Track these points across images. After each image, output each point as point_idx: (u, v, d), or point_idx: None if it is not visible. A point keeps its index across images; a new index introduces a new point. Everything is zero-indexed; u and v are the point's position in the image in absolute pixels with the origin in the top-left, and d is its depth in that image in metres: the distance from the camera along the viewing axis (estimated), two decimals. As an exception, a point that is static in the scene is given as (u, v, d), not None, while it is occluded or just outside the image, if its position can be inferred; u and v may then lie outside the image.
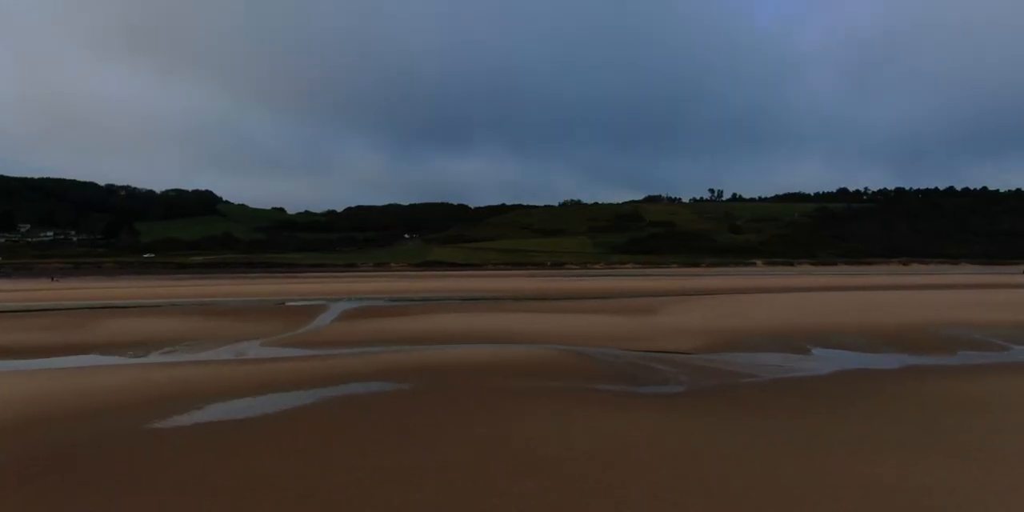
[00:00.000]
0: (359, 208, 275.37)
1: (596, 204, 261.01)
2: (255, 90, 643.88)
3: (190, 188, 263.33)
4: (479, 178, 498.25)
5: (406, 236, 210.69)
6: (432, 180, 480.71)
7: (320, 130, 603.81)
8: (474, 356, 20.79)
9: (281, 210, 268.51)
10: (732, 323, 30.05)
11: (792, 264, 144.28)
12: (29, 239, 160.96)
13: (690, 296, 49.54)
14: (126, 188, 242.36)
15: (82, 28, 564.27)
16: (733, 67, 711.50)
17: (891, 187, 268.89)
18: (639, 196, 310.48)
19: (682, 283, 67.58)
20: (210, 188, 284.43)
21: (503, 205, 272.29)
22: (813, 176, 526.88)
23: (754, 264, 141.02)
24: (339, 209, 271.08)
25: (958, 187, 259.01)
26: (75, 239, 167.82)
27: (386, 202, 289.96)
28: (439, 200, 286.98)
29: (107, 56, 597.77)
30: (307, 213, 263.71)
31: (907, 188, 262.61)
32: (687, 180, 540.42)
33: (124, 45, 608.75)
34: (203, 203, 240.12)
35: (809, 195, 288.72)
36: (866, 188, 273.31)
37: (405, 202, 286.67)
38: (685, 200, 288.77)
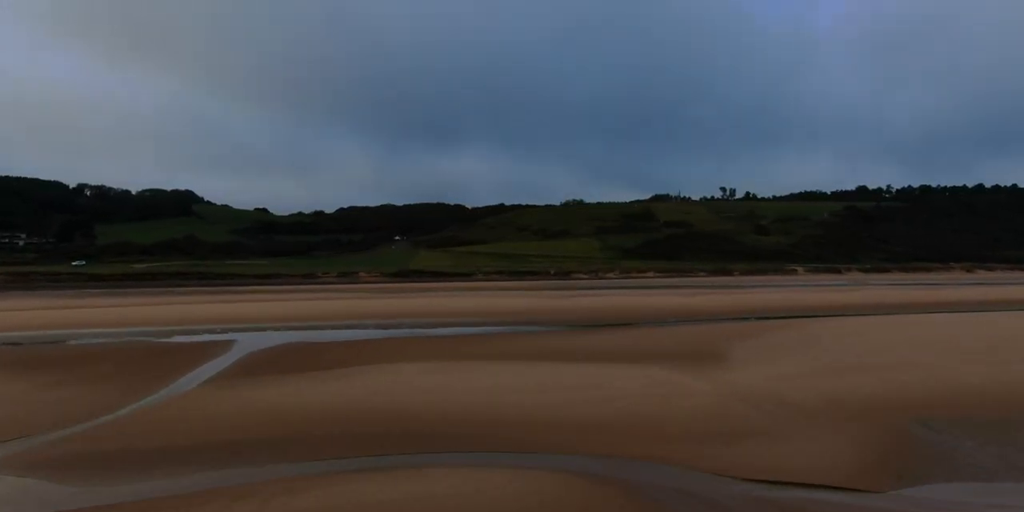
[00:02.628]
0: (351, 209, 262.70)
1: (600, 204, 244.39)
2: (245, 88, 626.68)
3: (169, 188, 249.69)
4: (477, 179, 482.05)
5: (397, 238, 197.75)
6: (431, 181, 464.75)
7: (315, 129, 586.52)
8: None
9: (264, 211, 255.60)
10: (865, 384, 18.63)
11: (839, 271, 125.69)
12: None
13: (752, 321, 37.60)
14: (99, 188, 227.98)
15: (61, 20, 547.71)
16: (738, 63, 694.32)
17: (907, 184, 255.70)
18: (644, 196, 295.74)
19: (728, 299, 53.97)
20: (193, 188, 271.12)
21: (501, 205, 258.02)
22: (823, 174, 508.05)
23: (795, 271, 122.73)
24: (332, 210, 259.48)
25: (971, 184, 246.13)
26: (22, 243, 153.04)
27: (380, 203, 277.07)
28: (436, 201, 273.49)
29: (90, 50, 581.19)
30: (298, 214, 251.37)
31: (933, 185, 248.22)
32: (690, 179, 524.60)
33: (119, 44, 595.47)
34: (180, 204, 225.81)
35: (826, 194, 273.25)
36: (888, 186, 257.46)
37: (400, 203, 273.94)
38: (695, 199, 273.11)
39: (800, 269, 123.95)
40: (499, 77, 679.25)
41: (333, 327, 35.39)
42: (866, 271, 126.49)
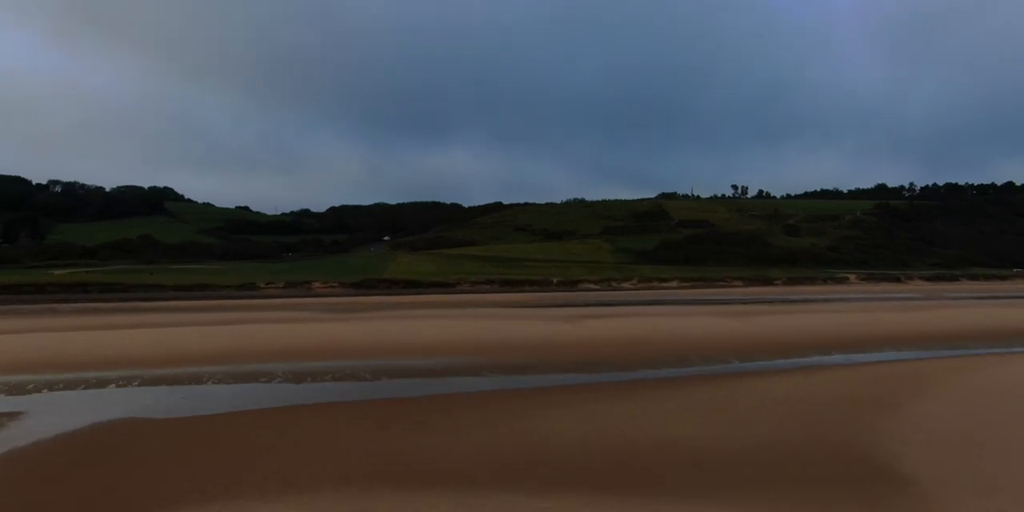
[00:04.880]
0: (342, 207, 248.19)
1: (606, 201, 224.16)
2: (235, 84, 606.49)
3: (147, 185, 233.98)
4: (475, 177, 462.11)
5: (386, 238, 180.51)
6: (429, 181, 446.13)
7: (308, 125, 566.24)
8: None
9: (246, 209, 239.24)
10: None
11: (898, 279, 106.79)
12: None
13: (858, 363, 21.60)
14: (70, 185, 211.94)
15: (44, 13, 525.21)
16: (745, 53, 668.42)
17: (932, 182, 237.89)
18: (649, 194, 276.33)
19: (796, 323, 36.89)
20: (176, 186, 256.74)
21: (499, 204, 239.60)
22: (834, 171, 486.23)
23: (846, 279, 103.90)
24: (323, 209, 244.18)
25: (990, 182, 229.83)
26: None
27: (374, 202, 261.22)
28: (431, 200, 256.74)
29: (75, 44, 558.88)
30: (289, 213, 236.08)
31: (960, 184, 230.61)
32: (694, 177, 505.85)
33: (107, 39, 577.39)
34: (152, 201, 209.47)
35: (843, 192, 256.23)
36: (911, 183, 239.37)
37: (394, 202, 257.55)
38: (706, 198, 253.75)
39: (852, 277, 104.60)
40: (494, 69, 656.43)
41: (217, 378, 21.43)
42: (929, 280, 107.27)
